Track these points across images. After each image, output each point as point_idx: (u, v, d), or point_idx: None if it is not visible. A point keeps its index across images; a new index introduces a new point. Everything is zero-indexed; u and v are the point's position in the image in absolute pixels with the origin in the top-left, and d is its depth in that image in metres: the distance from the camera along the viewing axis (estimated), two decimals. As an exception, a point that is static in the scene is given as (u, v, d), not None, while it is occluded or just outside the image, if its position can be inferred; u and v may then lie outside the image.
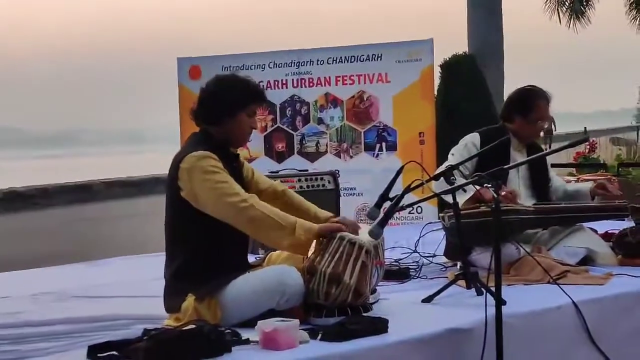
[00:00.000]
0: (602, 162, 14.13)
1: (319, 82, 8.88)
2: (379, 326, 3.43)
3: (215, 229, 3.70)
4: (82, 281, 5.23)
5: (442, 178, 4.32)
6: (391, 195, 3.95)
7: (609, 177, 8.85)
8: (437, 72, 10.15)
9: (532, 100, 5.14)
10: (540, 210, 4.89)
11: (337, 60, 8.82)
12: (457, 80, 10.56)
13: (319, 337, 3.34)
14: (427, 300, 4.04)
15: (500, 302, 3.45)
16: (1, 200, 19.09)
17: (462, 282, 4.14)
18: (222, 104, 3.81)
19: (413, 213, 8.34)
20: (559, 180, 5.55)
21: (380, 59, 8.69)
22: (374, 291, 3.90)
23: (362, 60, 8.75)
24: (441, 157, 6.63)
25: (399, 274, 4.74)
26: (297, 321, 3.29)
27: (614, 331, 4.02)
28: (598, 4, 21.15)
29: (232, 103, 3.82)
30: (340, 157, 8.85)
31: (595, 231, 5.18)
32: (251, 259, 4.09)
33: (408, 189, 3.92)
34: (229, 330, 3.31)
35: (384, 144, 8.70)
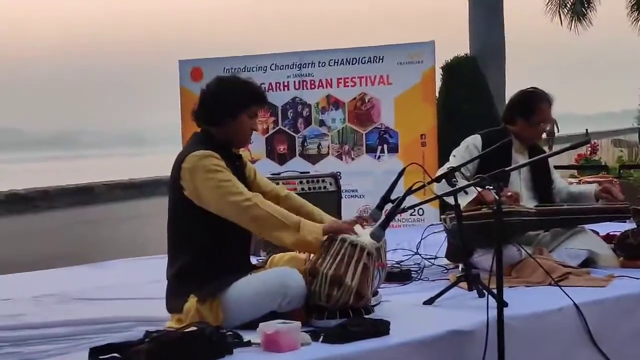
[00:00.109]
0: (603, 164, 14.13)
1: (320, 84, 8.89)
2: (381, 328, 3.43)
3: (218, 229, 3.70)
4: (83, 283, 5.23)
5: (443, 180, 4.32)
6: (393, 197, 3.95)
7: (610, 179, 8.85)
8: (438, 73, 10.16)
9: (534, 103, 5.14)
10: (542, 212, 4.89)
11: (339, 62, 8.83)
12: (458, 82, 10.56)
13: (320, 339, 3.34)
14: (429, 302, 4.04)
15: (501, 304, 3.45)
16: (2, 202, 19.12)
17: (463, 284, 4.14)
18: (223, 105, 3.81)
19: (415, 215, 8.33)
20: (563, 181, 5.55)
21: (382, 61, 8.69)
22: (375, 293, 3.90)
23: (363, 62, 8.76)
24: (443, 159, 6.62)
25: (401, 276, 4.74)
26: (298, 323, 3.29)
27: (616, 333, 4.02)
28: (599, 6, 21.17)
29: (233, 104, 3.82)
30: (341, 159, 8.85)
31: (597, 233, 5.18)
32: (253, 260, 4.09)
33: (409, 191, 3.92)
34: (230, 332, 3.31)
35: (385, 146, 8.70)
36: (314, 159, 8.92)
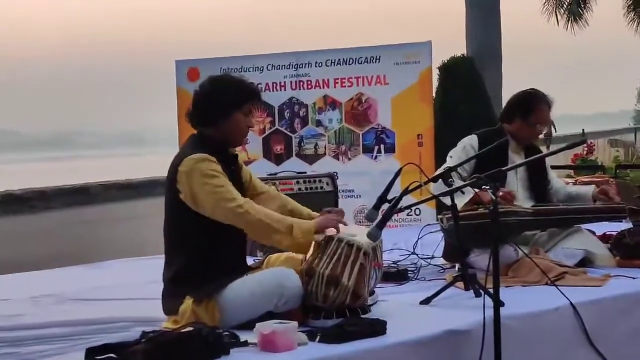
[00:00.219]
0: (599, 164, 14.14)
1: (317, 84, 8.89)
2: (377, 328, 3.43)
3: (214, 231, 3.71)
4: (80, 284, 5.23)
5: (440, 180, 4.33)
6: (389, 197, 3.95)
7: (607, 179, 8.86)
8: (435, 74, 10.16)
9: (533, 104, 5.15)
10: (539, 211, 4.89)
11: (336, 63, 8.83)
12: (455, 83, 10.56)
13: (317, 339, 3.34)
14: (426, 302, 4.04)
15: (498, 304, 3.46)
16: (-1, 203, 19.10)
17: (460, 284, 4.14)
18: (217, 105, 3.81)
19: (411, 215, 8.33)
20: (560, 182, 5.55)
21: (379, 61, 8.69)
22: (372, 293, 3.90)
23: (360, 62, 8.76)
24: (439, 159, 6.63)
25: (397, 275, 4.74)
26: (295, 323, 3.29)
27: (612, 332, 4.03)
28: (596, 6, 21.20)
29: (227, 103, 3.82)
30: (338, 159, 8.86)
31: (593, 233, 5.19)
32: (249, 261, 4.09)
33: (406, 191, 3.92)
34: (227, 333, 3.31)
35: (382, 146, 8.70)
36: (310, 159, 8.92)
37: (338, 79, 8.82)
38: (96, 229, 15.95)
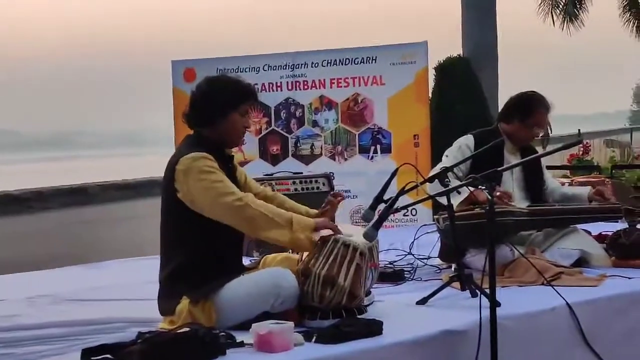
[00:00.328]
0: (595, 164, 14.14)
1: (313, 85, 8.89)
2: (374, 328, 3.43)
3: (211, 231, 3.71)
4: (77, 284, 5.23)
5: (436, 180, 4.33)
6: (386, 197, 3.95)
7: (602, 179, 8.87)
8: (431, 74, 10.17)
9: (533, 107, 5.17)
10: (535, 212, 4.90)
11: (332, 63, 8.83)
12: (451, 83, 10.58)
13: (313, 340, 3.34)
14: (422, 302, 4.05)
15: (494, 304, 3.46)
16: (-4, 203, 19.07)
17: (456, 284, 4.14)
18: (214, 105, 3.81)
19: (407, 215, 8.33)
20: (555, 182, 5.57)
21: (375, 62, 8.70)
22: (368, 293, 3.91)
23: (356, 62, 8.76)
24: (436, 159, 6.63)
25: (394, 276, 4.75)
26: (291, 324, 3.29)
27: (608, 333, 4.03)
28: (592, 7, 21.20)
29: (224, 103, 3.82)
30: (334, 159, 8.85)
31: (589, 233, 5.19)
32: (245, 261, 4.09)
33: (402, 191, 3.93)
34: (223, 333, 3.31)
35: (378, 147, 8.70)
36: (307, 159, 8.92)
37: (334, 79, 8.82)
38: (94, 229, 15.94)
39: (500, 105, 5.54)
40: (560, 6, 20.94)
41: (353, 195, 8.60)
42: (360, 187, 8.53)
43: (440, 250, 5.06)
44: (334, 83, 8.82)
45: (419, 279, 4.75)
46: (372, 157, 8.73)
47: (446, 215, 4.40)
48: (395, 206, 3.84)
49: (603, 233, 5.25)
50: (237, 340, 3.28)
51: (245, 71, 8.82)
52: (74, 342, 3.62)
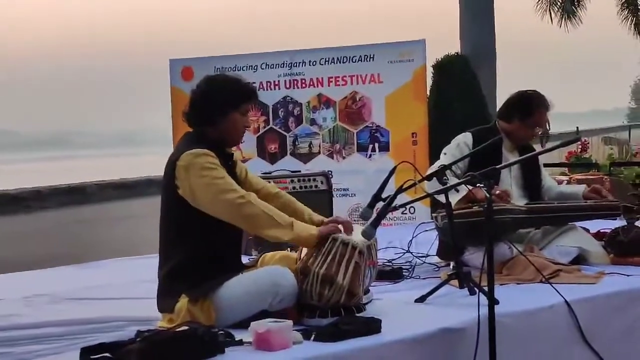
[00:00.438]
0: (594, 161, 14.14)
1: (311, 83, 8.89)
2: (372, 326, 3.43)
3: (210, 230, 3.70)
4: (74, 283, 5.22)
5: (434, 178, 4.33)
6: (384, 195, 3.95)
7: (601, 176, 8.87)
8: (429, 72, 10.17)
9: (534, 107, 5.16)
10: (533, 209, 4.90)
11: (330, 61, 8.83)
12: (449, 81, 10.57)
13: (312, 338, 3.34)
14: (420, 300, 4.05)
15: (492, 302, 3.46)
16: (-6, 203, 19.07)
17: (455, 282, 4.15)
18: (214, 105, 3.81)
19: (406, 213, 8.35)
20: (551, 180, 5.57)
21: (373, 60, 8.69)
22: (367, 291, 3.90)
23: (354, 61, 8.76)
24: (434, 157, 6.64)
25: (392, 274, 4.75)
26: (290, 322, 3.29)
27: (607, 330, 4.03)
28: (589, 4, 21.20)
29: (224, 103, 3.81)
30: (333, 157, 8.85)
31: (588, 230, 5.19)
32: (244, 260, 4.09)
33: (401, 189, 3.92)
34: (222, 332, 3.31)
35: (376, 145, 8.70)
36: (305, 157, 8.92)
37: (332, 77, 8.82)
38: (92, 229, 15.94)
39: (499, 103, 5.54)
40: (558, 4, 20.93)
41: (351, 194, 8.62)
42: (359, 186, 8.53)
43: (438, 248, 5.06)
44: (331, 81, 8.82)
45: (418, 277, 4.75)
46: (370, 156, 8.73)
47: (444, 213, 4.39)
48: (393, 204, 3.84)
49: (601, 230, 5.25)
50: (236, 339, 3.28)
51: (243, 70, 8.83)
52: (72, 341, 3.61)
